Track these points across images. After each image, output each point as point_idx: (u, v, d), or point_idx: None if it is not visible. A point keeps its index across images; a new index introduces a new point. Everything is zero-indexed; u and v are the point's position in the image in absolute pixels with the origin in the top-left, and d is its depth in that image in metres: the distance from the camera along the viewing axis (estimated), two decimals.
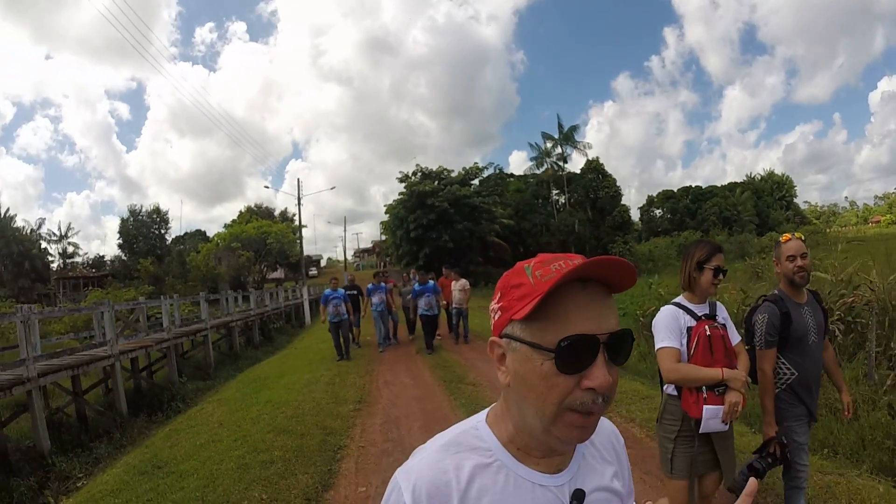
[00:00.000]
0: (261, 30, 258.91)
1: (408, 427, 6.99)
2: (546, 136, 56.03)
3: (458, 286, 14.35)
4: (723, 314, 3.11)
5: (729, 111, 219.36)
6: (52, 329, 22.28)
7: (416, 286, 13.94)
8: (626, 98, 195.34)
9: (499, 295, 0.99)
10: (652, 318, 3.33)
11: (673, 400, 3.02)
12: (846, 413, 3.55)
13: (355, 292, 14.75)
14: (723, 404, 2.81)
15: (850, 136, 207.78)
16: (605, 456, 1.10)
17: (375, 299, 14.24)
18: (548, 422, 0.91)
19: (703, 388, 2.83)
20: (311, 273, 63.39)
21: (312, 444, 6.26)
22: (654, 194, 77.14)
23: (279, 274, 60.65)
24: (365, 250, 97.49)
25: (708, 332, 2.88)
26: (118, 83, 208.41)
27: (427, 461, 0.98)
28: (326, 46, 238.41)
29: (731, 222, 64.40)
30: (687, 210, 69.78)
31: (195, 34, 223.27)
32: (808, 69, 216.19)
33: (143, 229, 56.66)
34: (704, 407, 2.80)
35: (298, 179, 35.79)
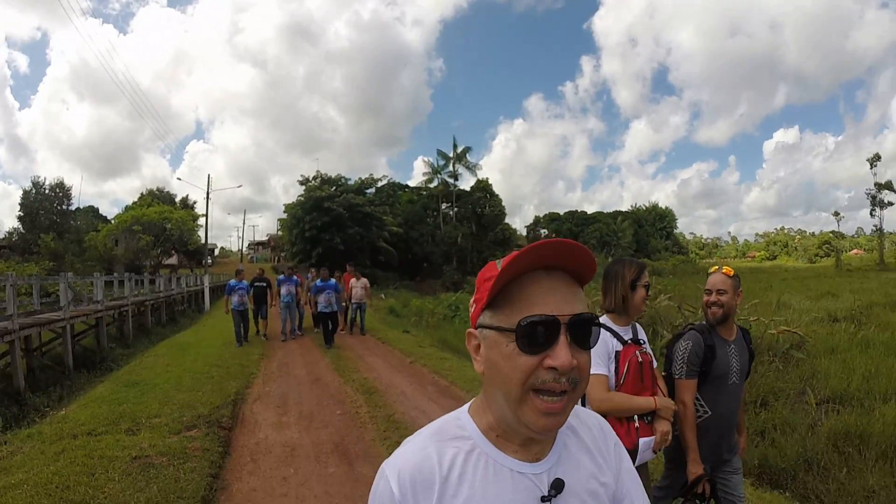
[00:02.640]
0: None
1: (293, 366, 11.24)
2: (441, 154, 60.62)
3: (359, 284, 15.61)
4: (643, 336, 3.03)
5: (632, 142, 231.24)
6: None
7: (318, 282, 14.07)
8: (536, 118, 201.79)
9: (476, 290, 1.05)
10: None
11: None
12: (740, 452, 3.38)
13: (264, 284, 15.36)
14: (653, 434, 2.76)
15: (742, 177, 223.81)
16: (589, 447, 1.12)
17: (284, 290, 14.86)
18: (515, 404, 0.95)
19: (635, 417, 2.75)
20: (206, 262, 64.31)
21: (235, 371, 10.33)
22: (542, 215, 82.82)
23: (174, 260, 60.37)
24: (259, 243, 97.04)
25: (639, 359, 2.81)
26: (21, 31, 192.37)
27: (411, 449, 1.04)
28: (245, 24, 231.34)
29: (610, 246, 70.16)
30: (570, 232, 74.42)
31: None
32: (711, 113, 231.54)
33: (45, 203, 55.71)
34: (641, 440, 2.71)
35: (209, 175, 38.39)
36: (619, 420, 2.72)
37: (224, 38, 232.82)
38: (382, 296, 33.85)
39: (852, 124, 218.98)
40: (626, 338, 2.87)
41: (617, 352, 2.81)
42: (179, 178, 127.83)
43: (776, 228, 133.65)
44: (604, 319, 2.89)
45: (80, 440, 6.22)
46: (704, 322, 3.23)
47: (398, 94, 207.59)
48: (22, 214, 55.28)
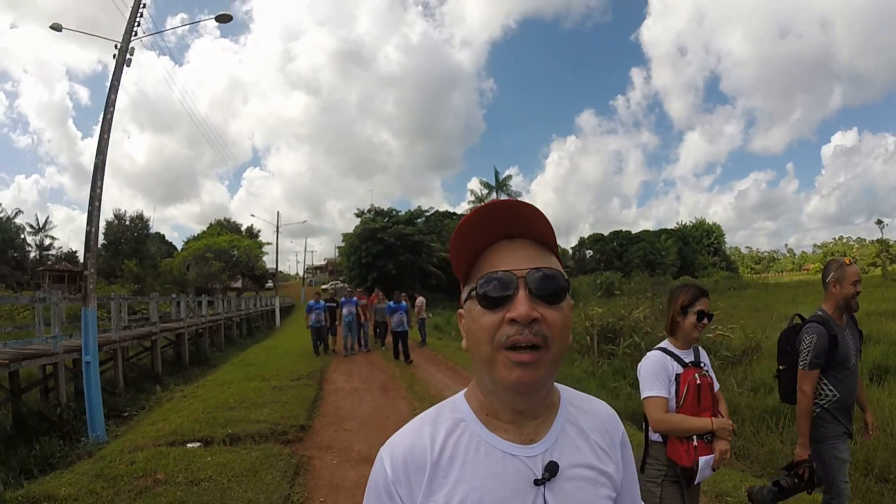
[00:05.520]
0: (233, 27, 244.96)
1: (356, 358, 15.89)
2: (483, 184, 64.58)
3: (417, 303, 18.95)
4: (705, 359, 3.11)
5: (687, 155, 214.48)
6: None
7: (391, 303, 15.31)
8: (589, 134, 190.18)
9: None
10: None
11: (657, 446, 2.98)
12: (869, 433, 3.65)
13: (334, 305, 16.88)
14: (712, 452, 2.84)
15: (800, 185, 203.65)
16: (588, 435, 1.08)
17: (345, 311, 16.10)
18: (488, 364, 0.95)
19: (694, 437, 2.83)
20: (267, 286, 68.57)
21: (316, 360, 15.03)
22: (587, 236, 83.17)
23: (239, 284, 65.60)
24: (317, 267, 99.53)
25: (698, 381, 2.89)
26: (82, 64, 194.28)
27: (406, 431, 1.05)
28: (297, 52, 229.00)
29: (654, 265, 69.97)
30: (614, 252, 74.51)
31: (166, 23, 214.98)
32: (766, 121, 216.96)
33: (126, 232, 61.04)
34: (700, 458, 2.80)
35: (278, 212, 43.50)
36: (679, 439, 2.85)
37: (277, 67, 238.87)
38: (430, 315, 37.34)
39: None
40: (686, 360, 2.96)
41: (677, 374, 2.91)
42: (253, 215, 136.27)
43: (834, 238, 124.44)
44: (665, 343, 3.06)
45: (235, 384, 10.97)
46: (820, 312, 3.43)
47: (450, 115, 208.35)
48: (106, 242, 59.86)
